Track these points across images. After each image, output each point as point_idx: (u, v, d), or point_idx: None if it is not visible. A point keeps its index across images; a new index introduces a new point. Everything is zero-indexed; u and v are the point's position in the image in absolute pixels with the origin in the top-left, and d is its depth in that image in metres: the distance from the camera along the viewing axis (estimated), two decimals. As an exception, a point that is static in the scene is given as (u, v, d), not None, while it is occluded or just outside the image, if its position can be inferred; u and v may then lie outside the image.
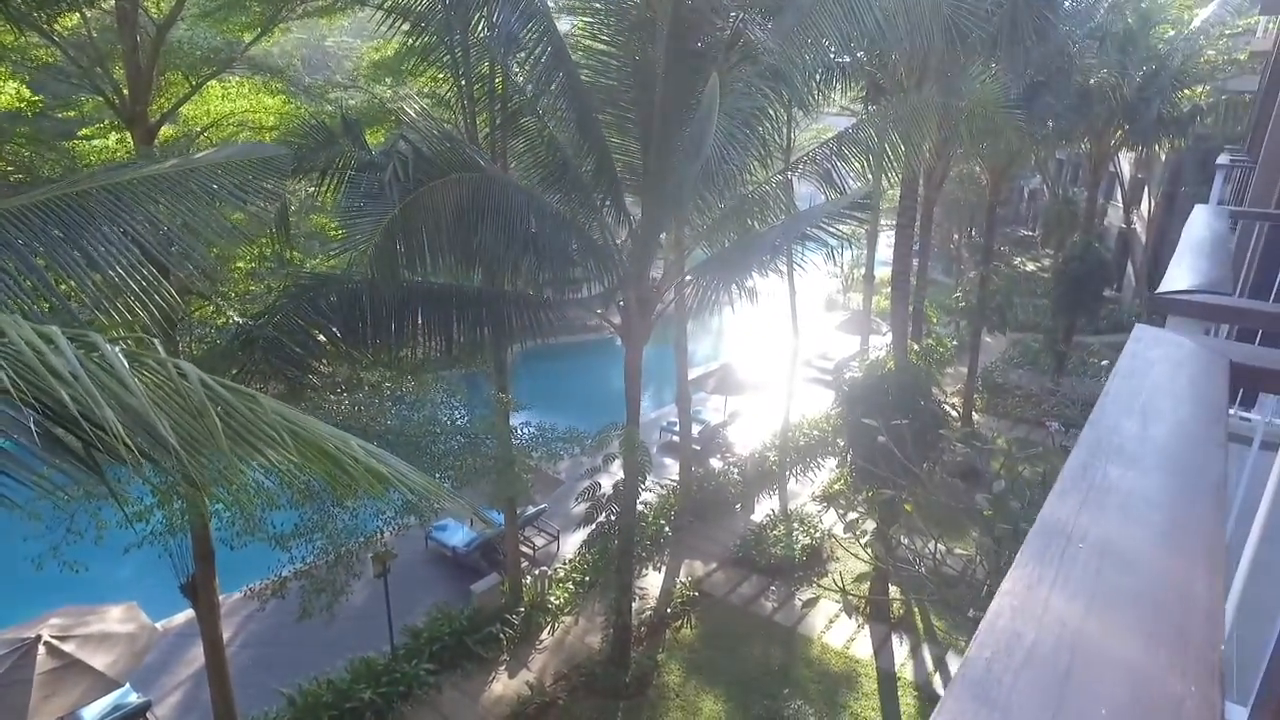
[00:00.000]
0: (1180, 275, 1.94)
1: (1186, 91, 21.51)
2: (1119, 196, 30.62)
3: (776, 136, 11.26)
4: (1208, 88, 22.39)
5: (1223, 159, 9.56)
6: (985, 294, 20.97)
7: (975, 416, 22.10)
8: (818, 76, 11.26)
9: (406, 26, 10.22)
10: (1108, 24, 20.76)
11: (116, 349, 2.85)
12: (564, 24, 10.93)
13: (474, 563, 15.65)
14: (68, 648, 9.71)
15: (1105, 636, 0.57)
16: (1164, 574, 0.66)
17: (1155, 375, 1.17)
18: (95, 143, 10.51)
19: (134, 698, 11.62)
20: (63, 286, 4.87)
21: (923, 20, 9.79)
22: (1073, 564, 0.66)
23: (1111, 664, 0.54)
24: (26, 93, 9.53)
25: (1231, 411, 2.59)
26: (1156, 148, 23.32)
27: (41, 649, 9.55)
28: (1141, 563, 0.68)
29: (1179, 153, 24.77)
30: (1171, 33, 22.95)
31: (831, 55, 11.03)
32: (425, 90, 14.52)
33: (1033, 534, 0.73)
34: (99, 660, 9.82)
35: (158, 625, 11.40)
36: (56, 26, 9.17)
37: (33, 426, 2.60)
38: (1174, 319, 1.82)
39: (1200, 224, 2.92)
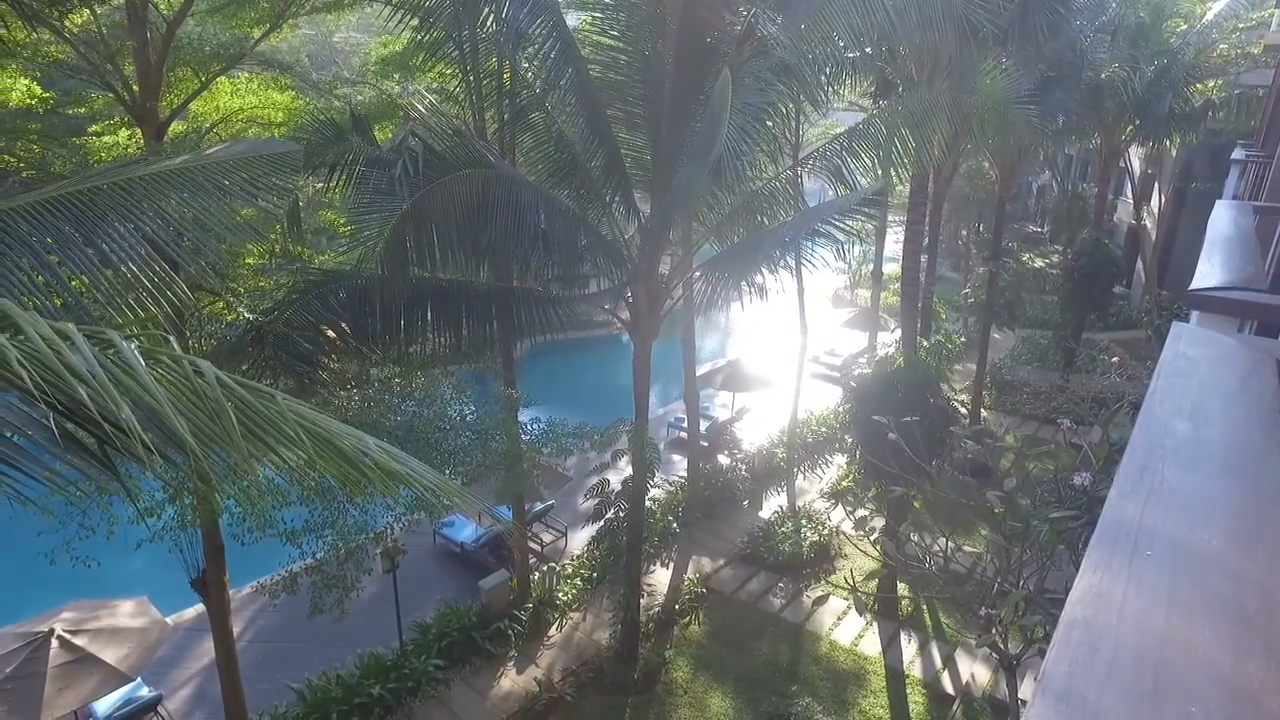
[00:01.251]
0: (1211, 271, 1.91)
1: (1199, 86, 21.31)
2: (1129, 192, 30.41)
3: (787, 132, 11.21)
4: (1220, 82, 22.17)
5: (1238, 154, 9.48)
6: (994, 290, 20.85)
7: (984, 413, 22.01)
8: (828, 71, 11.19)
9: (415, 22, 10.20)
10: (1120, 18, 20.57)
11: (133, 346, 2.84)
12: (573, 19, 10.89)
13: (482, 559, 15.68)
14: (80, 642, 9.77)
15: (1187, 652, 0.55)
16: (1242, 584, 0.64)
17: (1201, 375, 1.14)
18: (106, 139, 10.53)
19: (145, 692, 11.69)
20: (75, 283, 4.87)
21: (935, 14, 9.72)
22: (1143, 573, 0.64)
23: (1198, 682, 0.52)
24: (38, 89, 9.55)
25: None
26: (1167, 143, 23.11)
27: (54, 643, 9.61)
28: (1216, 573, 0.66)
29: (1190, 148, 24.56)
30: (1184, 26, 22.74)
31: (842, 49, 10.95)
32: (433, 86, 14.51)
33: (1096, 540, 0.71)
34: (111, 654, 9.86)
35: (168, 620, 11.44)
36: (67, 23, 9.19)
37: (52, 424, 2.60)
38: (1206, 315, 1.79)
39: (1225, 219, 2.88)
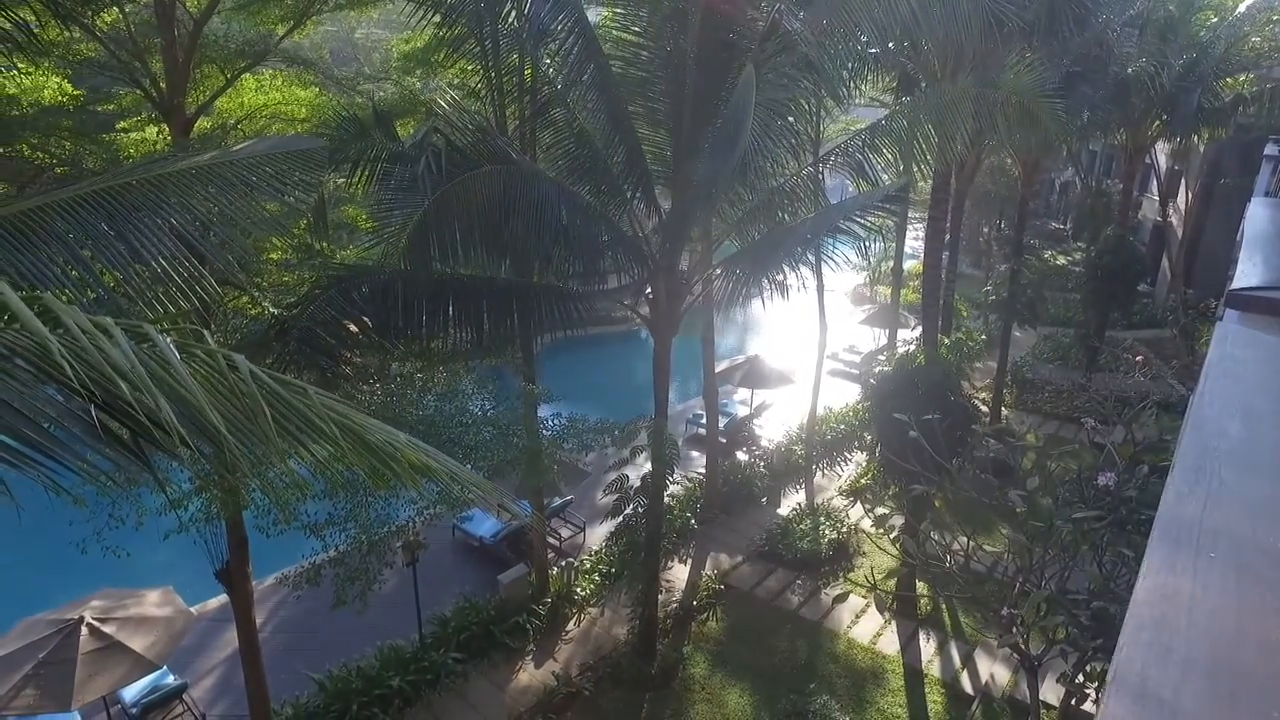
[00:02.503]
0: (1253, 271, 1.88)
1: (1229, 80, 20.91)
2: (1154, 189, 29.96)
3: (809, 128, 11.15)
4: (1252, 75, 21.76)
5: (1270, 149, 9.30)
6: (1015, 288, 20.64)
7: (1004, 412, 21.83)
8: (850, 67, 11.12)
9: (437, 18, 10.25)
10: (1148, 11, 20.26)
11: (168, 340, 2.89)
12: (594, 14, 10.89)
13: (500, 553, 15.77)
14: (109, 629, 9.95)
15: (1265, 657, 0.55)
16: (1312, 587, 0.64)
17: (1250, 376, 1.13)
18: (134, 135, 10.68)
19: (171, 679, 11.89)
20: (107, 277, 4.95)
21: (960, 8, 9.62)
22: (1209, 574, 0.64)
23: (1278, 689, 0.52)
24: (69, 87, 9.70)
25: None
26: (1195, 138, 22.73)
27: (84, 630, 9.79)
28: (1284, 575, 0.66)
29: (1219, 143, 24.14)
30: (1215, 19, 22.33)
31: (864, 44, 10.87)
32: (454, 82, 14.57)
33: (1157, 541, 0.70)
34: (138, 642, 10.04)
35: (193, 610, 11.63)
36: (98, 21, 9.32)
37: (92, 416, 2.65)
38: (1246, 315, 1.76)
39: (1263, 217, 2.83)
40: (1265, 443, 0.92)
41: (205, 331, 3.25)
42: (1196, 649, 0.54)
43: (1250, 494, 0.78)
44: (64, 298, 4.72)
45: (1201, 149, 25.58)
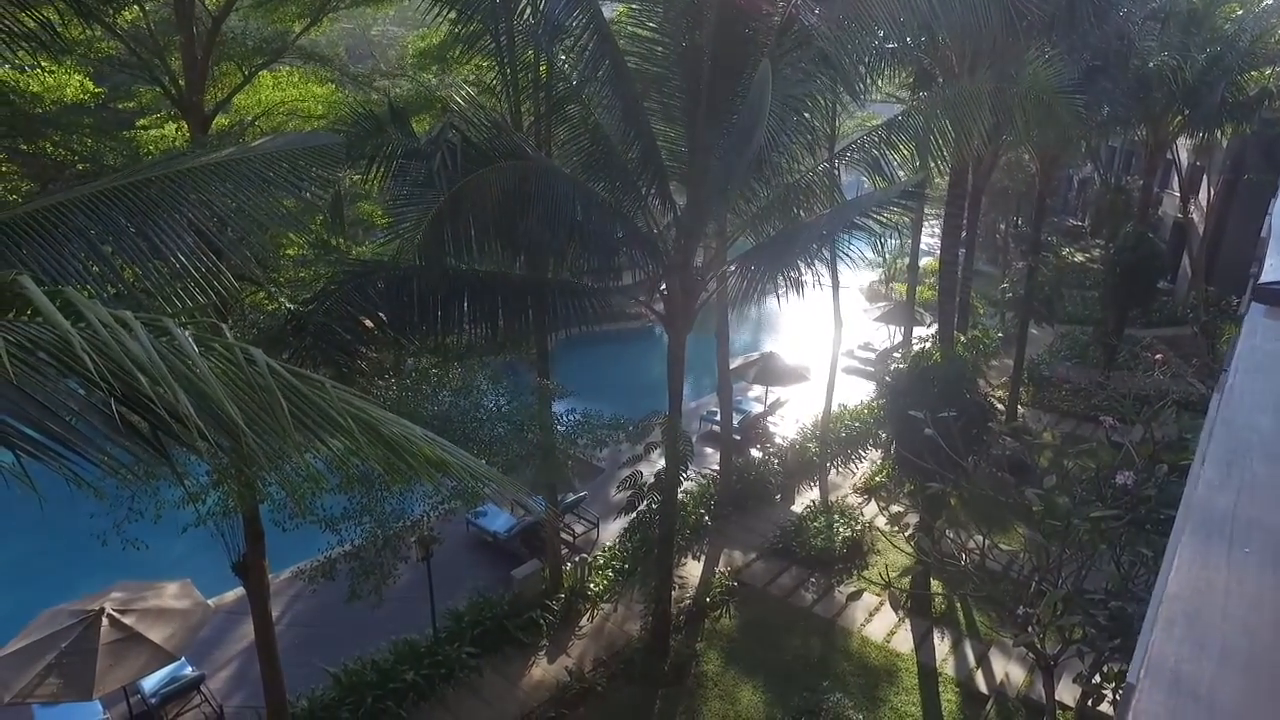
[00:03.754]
0: (1281, 265, 1.85)
1: (1254, 74, 20.58)
2: (1175, 185, 29.54)
3: (825, 124, 11.07)
4: (1278, 69, 21.40)
5: (1296, 144, 9.15)
6: (1033, 285, 20.45)
7: (1021, 410, 21.65)
8: (866, 62, 11.03)
9: (452, 15, 10.26)
10: (1170, 4, 19.94)
11: (187, 334, 2.91)
12: (609, 10, 10.86)
13: (514, 548, 15.82)
14: (129, 621, 10.08)
15: (1303, 648, 0.54)
16: (1351, 582, 0.62)
17: (1282, 370, 1.11)
18: (153, 132, 10.78)
19: (189, 670, 12.02)
20: (127, 273, 5.00)
21: (978, 1, 9.52)
22: (1244, 568, 0.62)
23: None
24: (90, 85, 9.81)
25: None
26: (1218, 134, 22.38)
27: (105, 621, 9.93)
28: (1322, 569, 0.64)
29: (1242, 139, 23.77)
30: (1240, 11, 21.97)
31: (881, 38, 10.79)
32: (470, 78, 14.60)
33: (1190, 533, 0.69)
34: (157, 634, 10.16)
35: (210, 602, 11.75)
36: (118, 20, 9.41)
37: (112, 409, 2.67)
38: (1276, 309, 1.73)
39: (1290, 212, 2.78)
40: (1298, 436, 0.90)
41: (224, 326, 3.27)
42: (1233, 643, 0.53)
43: (1284, 487, 0.77)
44: (86, 293, 4.78)
45: (1224, 144, 25.19)
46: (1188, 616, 0.57)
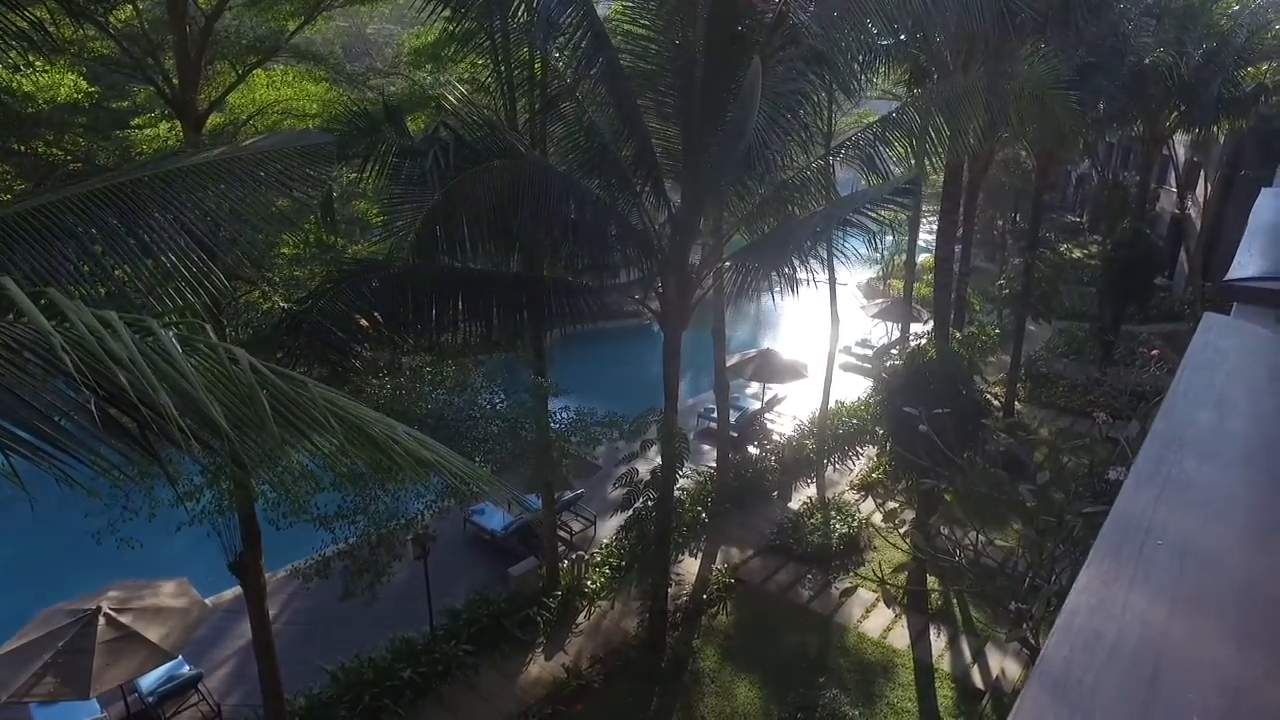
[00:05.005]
0: (1250, 261, 1.86)
1: (1250, 69, 20.57)
2: (1172, 180, 29.55)
3: (819, 121, 11.06)
4: (1274, 64, 21.39)
5: (1289, 140, 9.15)
6: (1030, 281, 20.45)
7: (1018, 406, 21.65)
8: (861, 59, 11.03)
9: (447, 13, 10.25)
10: (1167, 0, 19.95)
11: (170, 334, 2.92)
12: (603, 8, 10.86)
13: (512, 546, 15.84)
14: (125, 620, 10.10)
15: (1192, 640, 0.54)
16: (1252, 575, 0.63)
17: (1230, 366, 1.11)
18: (147, 131, 10.78)
19: (186, 669, 12.04)
20: (118, 272, 5.01)
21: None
22: (1152, 562, 0.63)
23: (1201, 669, 0.51)
24: (84, 84, 9.80)
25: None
26: (1215, 129, 22.38)
27: (102, 620, 9.95)
28: (1228, 562, 0.65)
29: (1239, 134, 23.76)
30: (1236, 7, 21.96)
31: (874, 35, 10.78)
32: (465, 76, 14.60)
33: (1106, 529, 0.70)
34: (154, 632, 10.19)
35: (207, 601, 11.77)
36: (111, 19, 9.40)
37: (93, 408, 2.68)
38: (1243, 307, 1.74)
39: (1270, 208, 2.79)
40: (1233, 432, 0.91)
41: (207, 326, 3.28)
42: (1126, 635, 0.54)
43: (1208, 483, 0.77)
44: (77, 293, 4.79)
45: (1221, 140, 25.19)
46: (1089, 609, 0.58)
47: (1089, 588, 0.61)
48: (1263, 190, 3.47)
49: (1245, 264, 1.87)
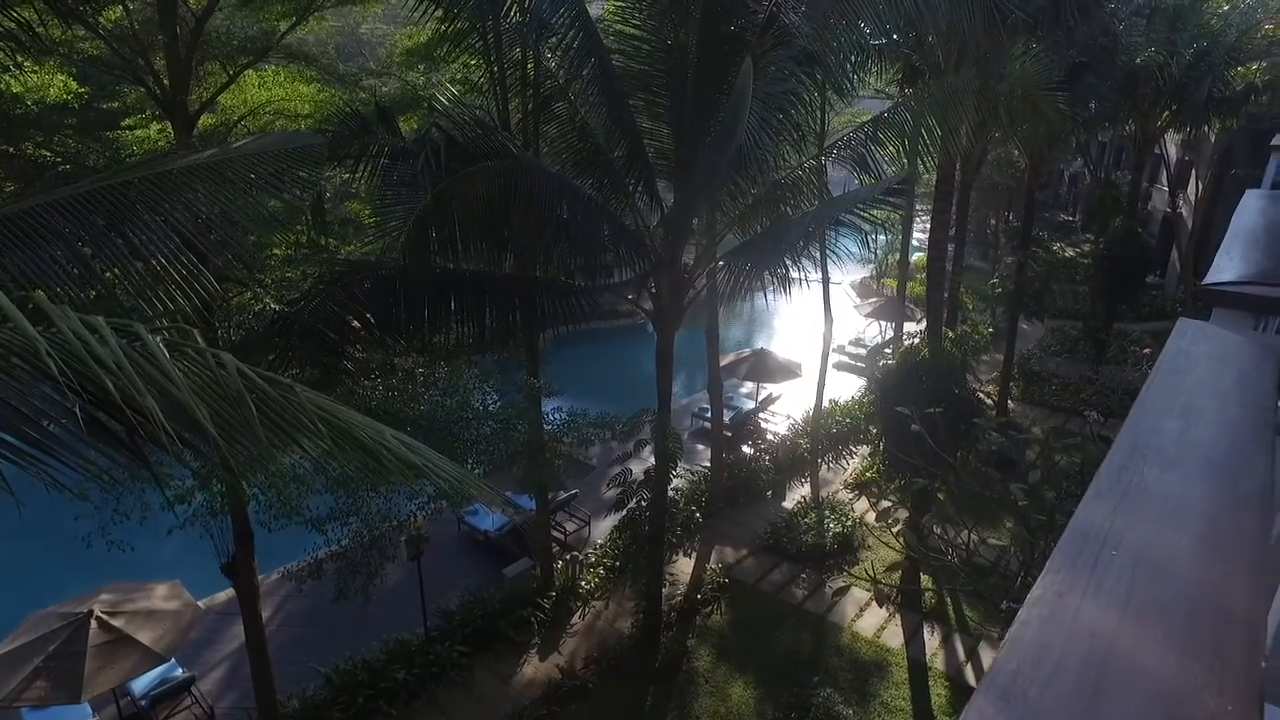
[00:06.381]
0: (1229, 265, 1.87)
1: (1240, 69, 20.67)
2: (1164, 180, 29.66)
3: (811, 121, 11.08)
4: (1264, 64, 21.49)
5: (1278, 140, 9.21)
6: (1023, 280, 20.52)
7: (1011, 405, 21.71)
8: (853, 59, 11.04)
9: (440, 13, 10.25)
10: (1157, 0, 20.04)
11: (158, 338, 2.92)
12: (595, 8, 10.86)
13: (506, 547, 15.83)
14: (117, 623, 10.06)
15: (1137, 651, 0.55)
16: (1202, 585, 0.64)
17: (1200, 372, 1.13)
18: (138, 133, 10.74)
19: (179, 672, 12.00)
20: (108, 275, 4.99)
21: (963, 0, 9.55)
22: (1106, 572, 0.64)
23: (1143, 681, 0.52)
24: (74, 85, 9.76)
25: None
26: (1206, 129, 22.47)
27: (94, 623, 9.91)
28: (1179, 573, 0.66)
29: (1230, 134, 23.88)
30: (1226, 7, 22.06)
31: (867, 35, 10.80)
32: (458, 76, 14.57)
33: (1065, 539, 0.71)
34: (146, 635, 10.15)
35: (200, 603, 11.73)
36: (101, 19, 9.36)
37: (78, 413, 2.68)
38: (1221, 312, 1.75)
39: (1252, 210, 2.81)
40: (1196, 441, 0.92)
41: (194, 330, 3.27)
42: (1074, 647, 0.55)
43: (1167, 492, 0.78)
44: (65, 297, 4.77)
45: (1213, 139, 25.32)
46: (1041, 621, 0.59)
47: (1043, 599, 0.62)
48: (1247, 192, 3.49)
49: (1224, 268, 1.88)
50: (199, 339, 3.18)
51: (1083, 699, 0.51)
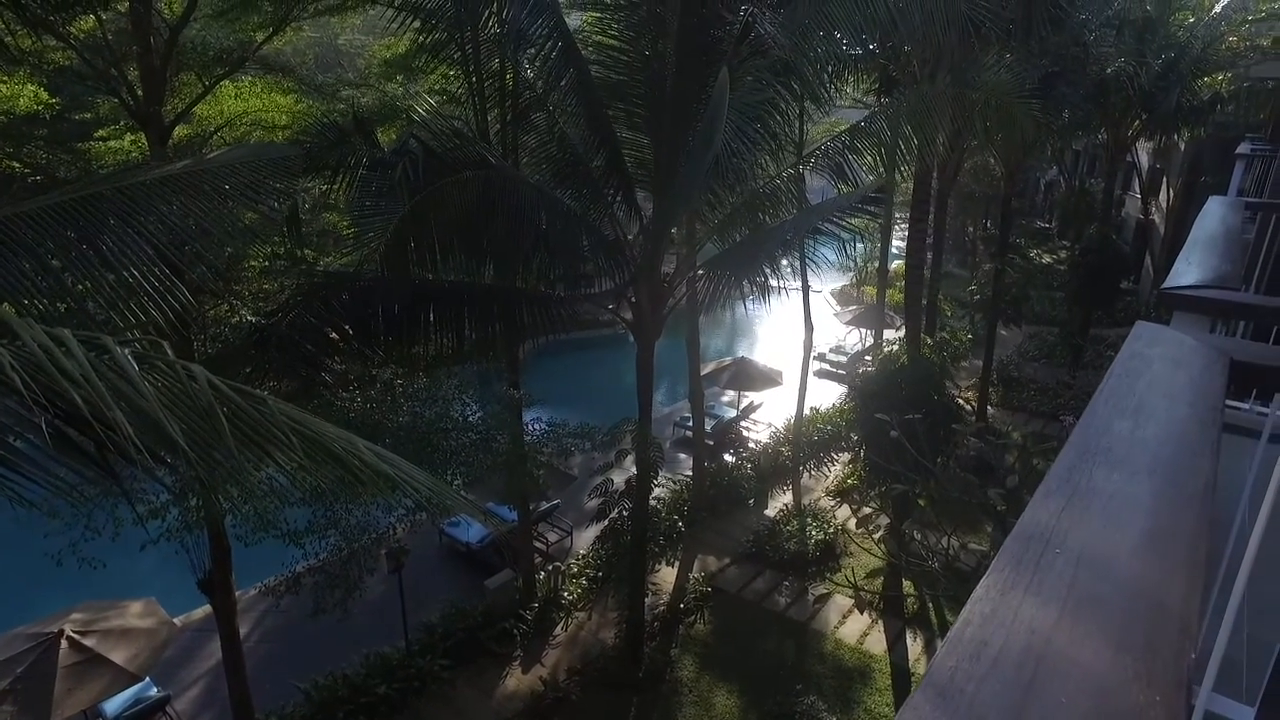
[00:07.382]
0: (1187, 270, 1.91)
1: (1207, 79, 21.13)
2: (1137, 187, 30.22)
3: (788, 130, 11.18)
4: (1229, 75, 21.97)
5: (1243, 148, 9.42)
6: (1000, 287, 20.77)
7: (990, 410, 21.93)
8: (829, 69, 11.16)
9: (417, 24, 10.25)
10: (1125, 11, 20.43)
11: (126, 351, 2.88)
12: (574, 20, 10.90)
13: (487, 558, 15.72)
14: (89, 642, 9.85)
15: (1072, 645, 0.56)
16: (1139, 582, 0.65)
17: (1152, 374, 1.15)
18: (111, 144, 10.62)
19: (154, 691, 11.80)
20: (79, 288, 4.92)
21: (937, 11, 9.69)
22: (1048, 570, 0.65)
23: (1076, 673, 0.53)
24: (45, 95, 9.64)
25: (1245, 406, 2.53)
26: (1175, 137, 22.93)
27: (64, 643, 9.69)
28: (1118, 570, 0.67)
29: (1199, 142, 24.38)
30: (1192, 19, 22.56)
31: (844, 47, 10.92)
32: (436, 87, 14.56)
33: (1011, 538, 0.72)
34: (120, 654, 9.95)
35: (176, 621, 11.54)
36: (72, 29, 9.27)
37: (44, 427, 2.64)
38: (1180, 316, 1.79)
39: (1213, 216, 2.87)
40: (1146, 441, 0.94)
41: (165, 343, 3.24)
42: (1012, 643, 0.56)
43: (1113, 492, 0.80)
44: (35, 309, 4.70)
45: (1182, 147, 25.83)
46: (982, 618, 0.60)
47: (985, 597, 0.63)
48: (1210, 198, 3.56)
49: (1182, 272, 1.93)
50: (169, 351, 3.14)
51: (1017, 691, 0.51)
